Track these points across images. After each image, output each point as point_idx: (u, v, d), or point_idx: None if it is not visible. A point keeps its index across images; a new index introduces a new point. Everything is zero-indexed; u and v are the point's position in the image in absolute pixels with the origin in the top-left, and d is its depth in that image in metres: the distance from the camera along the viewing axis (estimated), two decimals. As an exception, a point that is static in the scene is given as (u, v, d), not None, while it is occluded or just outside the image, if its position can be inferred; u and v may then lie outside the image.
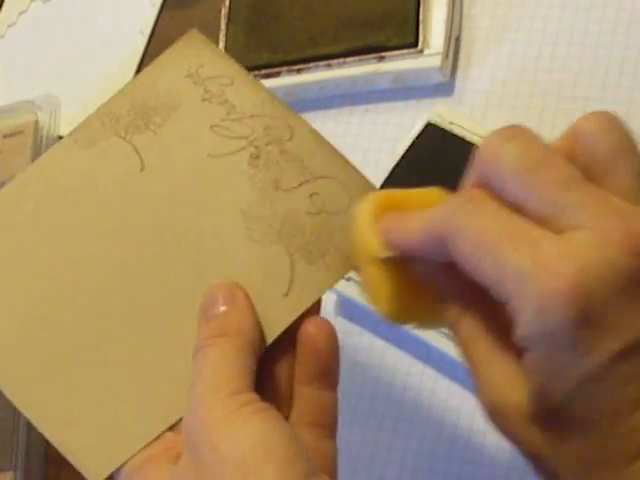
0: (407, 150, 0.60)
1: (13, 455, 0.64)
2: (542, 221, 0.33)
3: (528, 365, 0.34)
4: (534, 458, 0.35)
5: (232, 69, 0.48)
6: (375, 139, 0.65)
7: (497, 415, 0.35)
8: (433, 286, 0.38)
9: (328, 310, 0.60)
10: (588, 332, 0.32)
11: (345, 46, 0.66)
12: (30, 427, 0.65)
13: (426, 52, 0.64)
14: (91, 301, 0.44)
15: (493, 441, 0.55)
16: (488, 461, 0.54)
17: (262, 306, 0.43)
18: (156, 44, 0.77)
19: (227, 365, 0.40)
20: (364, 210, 0.41)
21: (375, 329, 0.59)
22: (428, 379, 0.57)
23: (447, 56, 0.64)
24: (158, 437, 0.42)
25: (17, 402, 0.43)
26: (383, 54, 0.65)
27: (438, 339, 0.55)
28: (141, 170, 0.46)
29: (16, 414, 0.65)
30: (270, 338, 0.42)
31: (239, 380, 0.39)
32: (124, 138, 0.47)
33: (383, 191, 0.43)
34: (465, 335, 0.37)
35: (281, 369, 0.43)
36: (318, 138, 0.46)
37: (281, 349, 0.43)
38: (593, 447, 0.33)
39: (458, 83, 0.65)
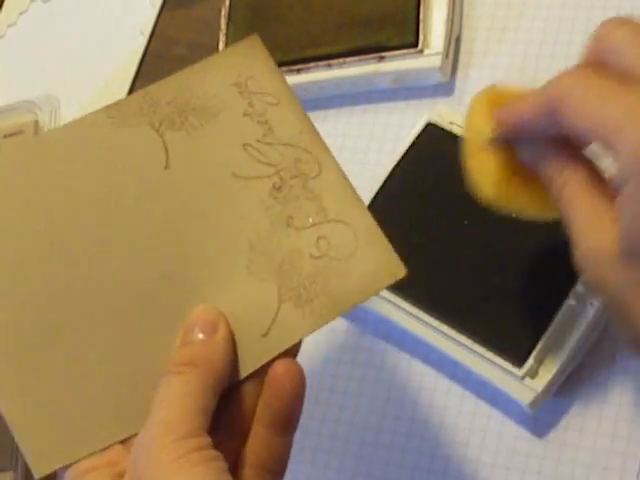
0: (407, 150, 0.60)
1: (13, 455, 0.64)
2: None
3: (621, 204, 0.38)
4: (617, 305, 0.39)
5: (282, 89, 0.47)
6: (375, 139, 0.65)
7: (590, 259, 0.40)
8: (539, 165, 0.43)
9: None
10: None
11: (345, 46, 0.66)
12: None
13: (426, 52, 0.64)
14: (77, 284, 0.43)
15: (493, 441, 0.55)
16: (488, 461, 0.54)
17: (238, 342, 0.42)
18: (156, 44, 0.77)
19: (186, 400, 0.39)
20: (482, 98, 0.45)
21: (375, 330, 0.59)
22: (428, 379, 0.57)
23: (447, 56, 0.64)
24: (109, 447, 0.41)
25: None
26: (383, 54, 0.65)
27: (438, 339, 0.55)
28: (165, 168, 0.45)
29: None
30: (240, 376, 0.42)
31: (194, 420, 0.39)
32: (157, 130, 0.46)
33: (502, 84, 0.47)
34: (568, 197, 0.41)
35: (246, 403, 0.42)
36: (343, 181, 0.45)
37: (251, 383, 0.42)
38: None
39: (458, 83, 0.65)
